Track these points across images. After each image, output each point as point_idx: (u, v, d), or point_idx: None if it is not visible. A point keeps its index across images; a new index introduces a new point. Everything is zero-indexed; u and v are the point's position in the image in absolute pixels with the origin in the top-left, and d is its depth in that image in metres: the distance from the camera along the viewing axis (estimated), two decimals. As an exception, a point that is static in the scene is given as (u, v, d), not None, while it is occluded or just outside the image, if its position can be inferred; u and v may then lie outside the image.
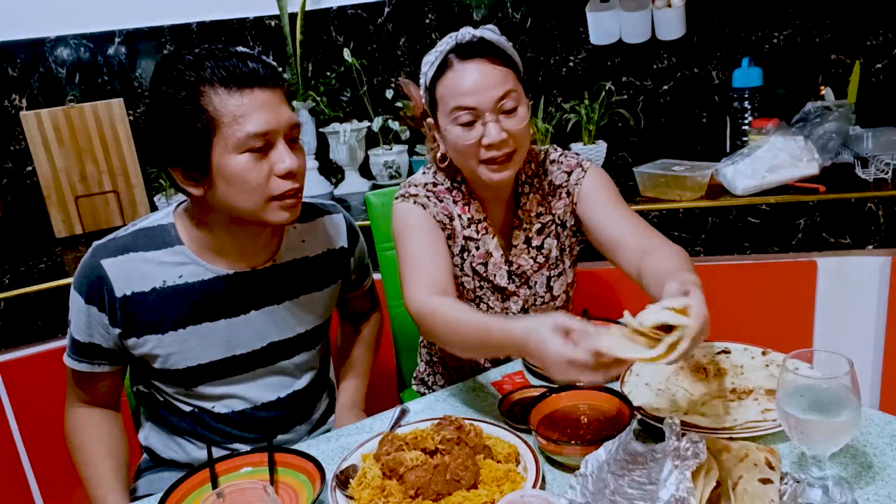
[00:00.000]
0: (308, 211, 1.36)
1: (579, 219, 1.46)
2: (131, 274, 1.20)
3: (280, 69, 1.18)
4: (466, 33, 1.30)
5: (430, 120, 1.40)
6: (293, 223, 1.30)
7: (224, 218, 1.21)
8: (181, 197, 1.26)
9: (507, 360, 1.53)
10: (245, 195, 1.14)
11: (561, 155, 1.48)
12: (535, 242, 1.45)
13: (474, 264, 1.44)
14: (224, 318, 1.26)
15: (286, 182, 1.16)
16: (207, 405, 1.30)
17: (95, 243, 1.23)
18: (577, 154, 1.50)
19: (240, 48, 1.16)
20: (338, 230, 1.40)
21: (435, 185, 1.43)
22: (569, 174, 1.45)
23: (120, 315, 1.20)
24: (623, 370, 1.07)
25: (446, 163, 1.41)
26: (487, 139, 1.28)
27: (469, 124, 1.29)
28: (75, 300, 1.22)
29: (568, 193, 1.45)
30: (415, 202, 1.39)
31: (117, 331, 1.21)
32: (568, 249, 1.49)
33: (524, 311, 1.48)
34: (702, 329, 0.96)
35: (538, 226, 1.45)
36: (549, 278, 1.47)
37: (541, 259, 1.45)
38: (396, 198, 1.42)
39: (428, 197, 1.40)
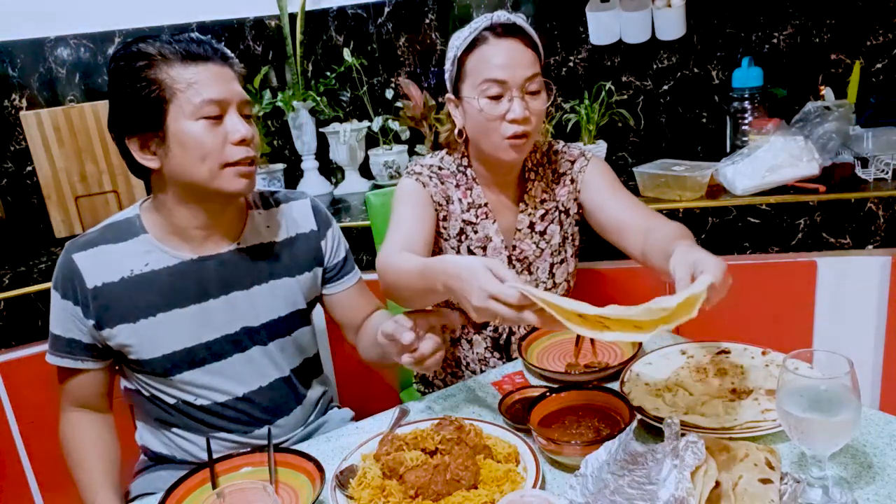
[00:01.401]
0: (272, 198, 1.40)
1: (582, 206, 1.52)
2: (100, 265, 1.24)
3: (231, 54, 1.24)
4: (502, 15, 1.38)
5: (449, 95, 1.45)
6: (257, 209, 1.35)
7: (182, 195, 1.24)
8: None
9: (507, 360, 1.54)
10: (200, 161, 1.19)
11: (564, 146, 1.55)
12: (538, 228, 1.50)
13: (472, 247, 1.49)
14: (193, 303, 1.28)
15: (240, 149, 1.21)
16: (189, 397, 1.31)
17: (69, 241, 1.27)
18: (579, 145, 1.58)
19: (194, 34, 1.22)
20: (303, 215, 1.41)
21: (440, 168, 1.49)
22: (573, 163, 1.52)
23: (92, 306, 1.23)
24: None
25: (462, 138, 1.45)
26: (512, 114, 1.35)
27: (496, 97, 1.35)
28: (54, 297, 1.26)
29: (572, 181, 1.51)
30: (417, 179, 1.46)
31: (91, 322, 1.24)
32: (570, 238, 1.54)
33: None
34: (722, 279, 1.04)
35: (542, 211, 1.50)
36: (551, 265, 1.52)
37: (543, 244, 1.50)
38: (406, 172, 1.49)
39: (430, 177, 1.47)
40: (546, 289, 1.52)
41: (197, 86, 1.17)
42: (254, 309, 1.32)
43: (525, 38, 1.37)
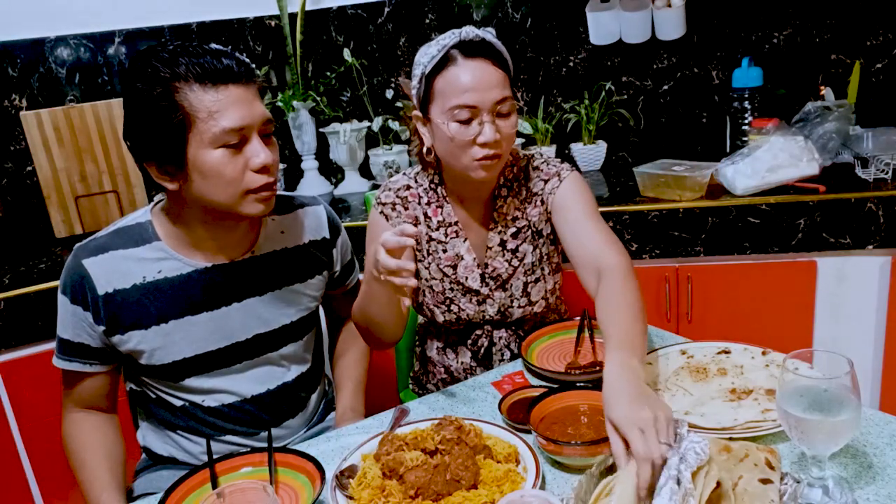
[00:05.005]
0: (287, 203, 1.38)
1: (553, 228, 1.46)
2: (112, 271, 1.22)
3: (253, 65, 1.19)
4: (470, 31, 1.32)
5: (417, 112, 1.39)
6: (271, 215, 1.33)
7: (200, 212, 1.22)
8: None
9: (506, 360, 1.54)
10: (221, 189, 1.16)
11: (543, 163, 1.48)
12: (509, 245, 1.46)
13: (441, 266, 1.46)
14: (206, 311, 1.27)
15: (261, 176, 1.17)
16: (197, 399, 1.31)
17: (77, 245, 1.26)
18: (560, 162, 1.49)
19: (213, 45, 1.17)
20: (318, 222, 1.41)
21: (409, 187, 1.47)
22: (546, 182, 1.45)
23: (103, 313, 1.22)
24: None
25: (431, 156, 1.41)
26: (483, 138, 1.30)
27: (466, 121, 1.30)
28: (62, 302, 1.24)
29: (542, 202, 1.45)
30: (381, 212, 1.46)
31: (102, 328, 1.23)
32: (546, 257, 1.48)
33: (501, 314, 1.48)
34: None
35: (513, 230, 1.46)
36: (525, 283, 1.47)
37: (515, 262, 1.46)
38: (374, 199, 1.48)
39: (395, 205, 1.45)
40: (520, 306, 1.47)
41: (218, 114, 1.12)
42: (268, 315, 1.32)
43: (494, 56, 1.32)
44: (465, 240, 1.46)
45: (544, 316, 1.55)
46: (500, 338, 1.51)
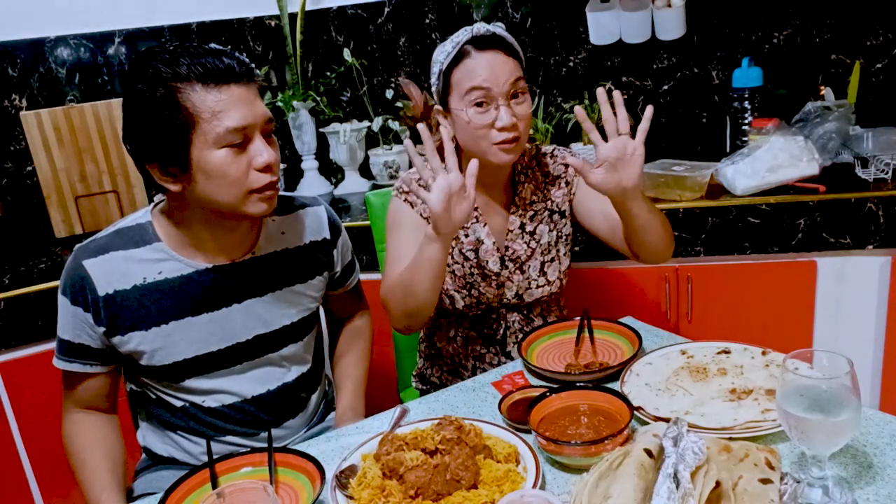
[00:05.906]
0: (288, 204, 1.39)
1: (575, 208, 1.56)
2: (112, 272, 1.22)
3: (252, 65, 1.19)
4: (482, 27, 1.42)
5: (438, 107, 1.47)
6: (272, 216, 1.33)
7: (201, 213, 1.22)
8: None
9: (503, 355, 1.54)
10: (225, 189, 1.16)
11: (554, 149, 1.58)
12: (528, 228, 1.54)
13: (464, 250, 1.52)
14: (206, 311, 1.27)
15: (264, 175, 1.18)
16: (197, 399, 1.31)
17: (77, 245, 1.25)
18: (566, 148, 1.60)
19: (213, 45, 1.17)
20: (319, 222, 1.41)
21: None
22: (566, 165, 1.55)
23: (104, 314, 1.22)
24: None
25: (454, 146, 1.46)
26: (500, 122, 1.38)
27: (483, 105, 1.38)
28: (62, 303, 1.24)
29: (567, 183, 1.55)
30: (405, 199, 1.50)
31: (102, 329, 1.23)
32: (564, 237, 1.57)
33: (518, 297, 1.54)
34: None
35: (532, 213, 1.54)
36: (542, 263, 1.55)
37: (533, 244, 1.54)
38: (394, 190, 1.53)
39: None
40: (539, 286, 1.54)
41: (221, 114, 1.12)
42: (268, 316, 1.32)
43: (506, 47, 1.41)
44: (485, 224, 1.52)
45: (549, 304, 1.61)
46: (514, 321, 1.57)
